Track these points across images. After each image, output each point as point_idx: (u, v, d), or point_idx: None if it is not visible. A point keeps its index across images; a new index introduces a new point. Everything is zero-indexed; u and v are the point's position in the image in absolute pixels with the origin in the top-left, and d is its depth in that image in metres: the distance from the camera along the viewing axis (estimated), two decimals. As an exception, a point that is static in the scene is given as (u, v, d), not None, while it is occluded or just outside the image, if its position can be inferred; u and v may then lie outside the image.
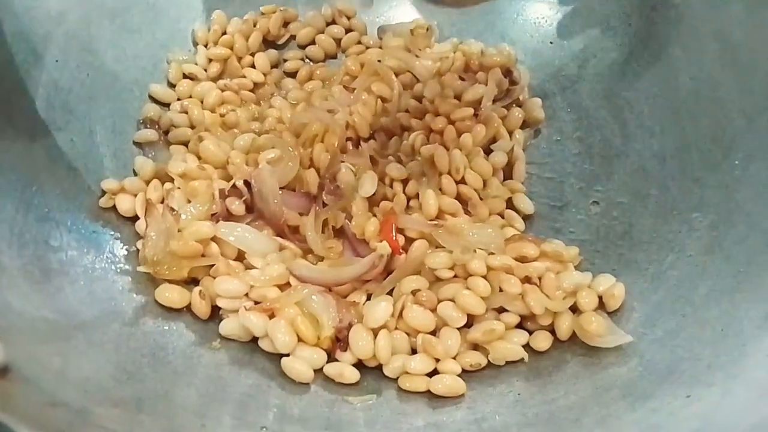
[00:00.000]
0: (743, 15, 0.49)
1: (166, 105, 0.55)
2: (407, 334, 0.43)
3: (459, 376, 0.41)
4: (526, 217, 0.51)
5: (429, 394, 0.41)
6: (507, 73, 0.57)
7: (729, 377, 0.37)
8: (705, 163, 0.48)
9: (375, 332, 0.42)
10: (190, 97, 0.56)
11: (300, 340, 0.42)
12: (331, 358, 0.42)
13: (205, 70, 0.58)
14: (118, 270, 0.45)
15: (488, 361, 0.42)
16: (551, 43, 0.60)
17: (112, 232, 0.47)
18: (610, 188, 0.52)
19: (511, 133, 0.55)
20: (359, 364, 0.42)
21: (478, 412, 0.40)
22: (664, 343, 0.41)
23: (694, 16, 0.52)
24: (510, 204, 0.52)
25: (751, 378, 0.36)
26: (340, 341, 0.42)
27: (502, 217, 0.50)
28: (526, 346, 0.43)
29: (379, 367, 0.42)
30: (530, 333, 0.44)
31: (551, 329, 0.44)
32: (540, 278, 0.44)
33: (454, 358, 0.42)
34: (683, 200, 0.48)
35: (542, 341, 0.43)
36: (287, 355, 0.41)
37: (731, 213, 0.45)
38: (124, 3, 0.55)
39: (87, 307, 0.41)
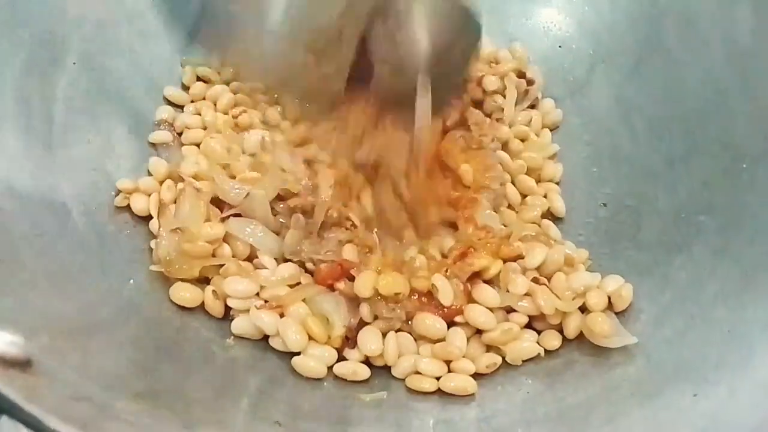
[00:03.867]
0: (751, 20, 0.50)
1: (180, 107, 0.56)
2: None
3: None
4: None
5: (439, 392, 0.41)
6: (521, 74, 0.58)
7: (736, 376, 0.37)
8: (713, 166, 0.48)
9: (384, 332, 0.43)
10: (204, 99, 0.57)
11: (310, 338, 0.42)
12: (340, 356, 0.43)
13: (219, 74, 0.58)
14: (135, 269, 0.45)
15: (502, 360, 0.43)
16: (560, 47, 0.60)
17: (128, 231, 0.48)
18: (619, 191, 0.52)
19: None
20: (369, 361, 0.43)
21: (487, 410, 0.40)
22: (672, 343, 0.41)
23: (702, 22, 0.52)
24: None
25: (758, 377, 0.36)
26: (348, 339, 0.43)
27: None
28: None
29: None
30: (538, 332, 0.44)
31: (559, 329, 0.44)
32: (549, 278, 0.45)
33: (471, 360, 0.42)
34: (691, 203, 0.48)
35: (552, 340, 0.44)
36: (298, 353, 0.42)
37: (739, 216, 0.45)
38: (140, 7, 0.55)
39: (105, 305, 0.42)
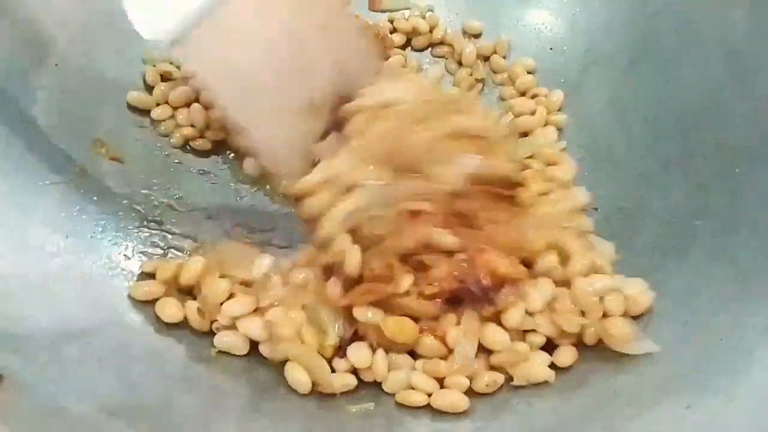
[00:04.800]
0: (746, 20, 0.49)
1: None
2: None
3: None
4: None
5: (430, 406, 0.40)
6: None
7: (733, 384, 0.36)
8: (709, 169, 0.48)
9: (373, 348, 0.42)
10: (167, 102, 0.54)
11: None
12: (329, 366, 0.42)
13: (178, 68, 0.55)
14: (117, 278, 0.44)
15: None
16: (551, 49, 0.60)
17: (110, 239, 0.46)
18: (613, 194, 0.51)
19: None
20: (358, 374, 0.42)
21: (479, 420, 0.39)
22: (668, 351, 0.40)
23: (697, 21, 0.52)
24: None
25: (756, 385, 0.36)
26: (340, 348, 0.42)
27: None
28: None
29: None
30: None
31: (577, 339, 0.42)
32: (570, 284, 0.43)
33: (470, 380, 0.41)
34: (686, 206, 0.47)
35: (567, 358, 0.42)
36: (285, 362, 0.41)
37: (735, 219, 0.45)
38: (124, 8, 0.55)
39: (86, 313, 0.41)
